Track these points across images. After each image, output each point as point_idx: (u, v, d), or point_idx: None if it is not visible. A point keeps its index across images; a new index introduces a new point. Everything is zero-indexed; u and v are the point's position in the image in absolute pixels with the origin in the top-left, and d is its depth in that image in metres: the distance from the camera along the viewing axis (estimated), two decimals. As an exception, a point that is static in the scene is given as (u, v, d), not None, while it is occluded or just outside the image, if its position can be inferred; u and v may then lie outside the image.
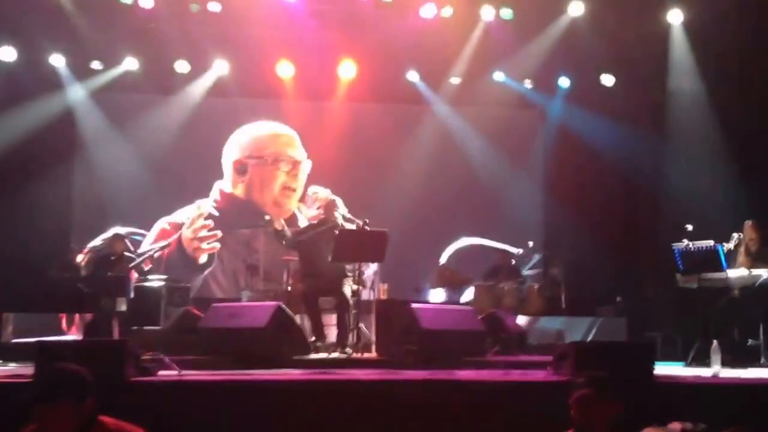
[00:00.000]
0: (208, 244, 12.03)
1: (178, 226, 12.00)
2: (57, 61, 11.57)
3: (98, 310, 8.96)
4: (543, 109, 12.67)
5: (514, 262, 11.15)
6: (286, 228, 8.33)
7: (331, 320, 8.45)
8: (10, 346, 8.37)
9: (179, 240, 11.95)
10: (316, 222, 8.27)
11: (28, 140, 11.01)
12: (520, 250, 11.18)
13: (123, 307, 9.17)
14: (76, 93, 11.82)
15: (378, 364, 6.64)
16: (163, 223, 11.97)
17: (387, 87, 12.28)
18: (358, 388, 4.96)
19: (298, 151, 12.43)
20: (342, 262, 8.09)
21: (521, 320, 9.93)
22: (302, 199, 12.32)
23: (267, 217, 9.21)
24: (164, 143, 11.82)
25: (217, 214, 12.10)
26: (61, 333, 9.95)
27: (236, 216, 12.05)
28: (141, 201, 11.77)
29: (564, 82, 12.36)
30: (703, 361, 6.85)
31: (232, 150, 12.32)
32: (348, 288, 8.07)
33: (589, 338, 10.03)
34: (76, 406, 3.35)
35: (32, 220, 11.15)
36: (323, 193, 11.49)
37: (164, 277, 10.11)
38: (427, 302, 9.71)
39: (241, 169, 12.27)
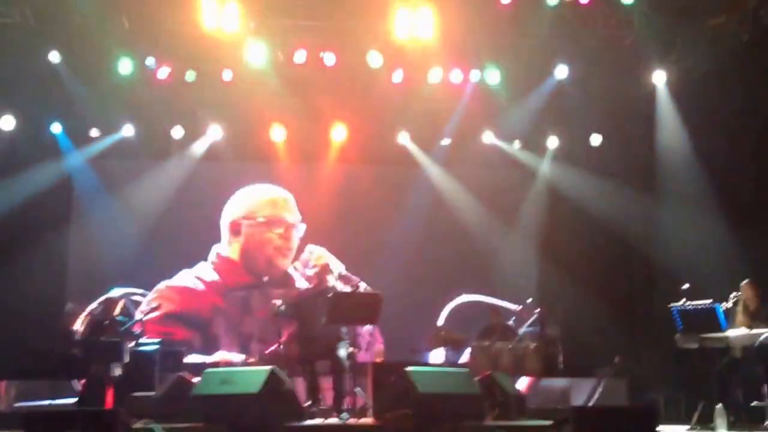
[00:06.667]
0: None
1: (180, 289, 11.86)
2: (56, 128, 11.74)
3: (90, 376, 8.89)
4: (532, 169, 12.79)
5: (513, 319, 11.10)
6: (283, 306, 8.36)
7: (327, 383, 8.39)
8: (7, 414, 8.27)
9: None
10: (311, 289, 8.29)
11: (24, 207, 11.09)
12: (519, 307, 11.14)
13: (117, 372, 9.11)
14: (74, 160, 11.93)
15: (374, 431, 6.55)
16: (162, 286, 11.92)
17: (378, 149, 12.43)
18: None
19: (293, 214, 12.41)
20: (336, 325, 8.06)
21: (522, 382, 9.84)
22: (298, 258, 12.28)
23: (278, 303, 9.11)
24: (160, 208, 11.86)
25: (216, 277, 12.09)
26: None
27: (232, 277, 12.07)
28: (137, 265, 11.71)
29: (552, 142, 12.53)
30: (708, 423, 6.75)
31: (229, 212, 12.36)
32: (343, 351, 8.03)
33: (595, 398, 9.91)
34: None
35: (27, 286, 11.08)
36: (318, 252, 11.49)
37: (158, 341, 10.05)
38: (423, 364, 9.63)
39: (235, 230, 12.29)
